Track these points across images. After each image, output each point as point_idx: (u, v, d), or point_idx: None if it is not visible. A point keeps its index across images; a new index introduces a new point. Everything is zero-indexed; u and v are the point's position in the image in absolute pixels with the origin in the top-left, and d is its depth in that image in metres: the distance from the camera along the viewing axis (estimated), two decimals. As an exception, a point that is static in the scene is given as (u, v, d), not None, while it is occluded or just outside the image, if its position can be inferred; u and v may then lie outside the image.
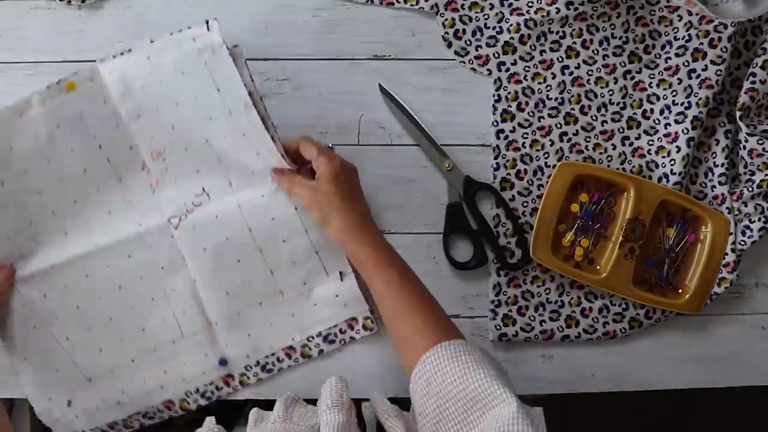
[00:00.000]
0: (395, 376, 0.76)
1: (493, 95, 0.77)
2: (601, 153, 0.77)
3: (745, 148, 0.75)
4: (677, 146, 0.75)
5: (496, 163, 0.77)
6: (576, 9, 0.75)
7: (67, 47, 0.75)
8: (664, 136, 0.76)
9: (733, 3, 0.73)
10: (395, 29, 0.77)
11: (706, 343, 0.79)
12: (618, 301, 0.77)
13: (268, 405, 0.67)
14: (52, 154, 0.70)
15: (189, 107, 0.69)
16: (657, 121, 0.77)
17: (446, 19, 0.76)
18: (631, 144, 0.77)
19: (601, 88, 0.77)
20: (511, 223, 0.76)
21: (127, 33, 0.76)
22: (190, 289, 0.73)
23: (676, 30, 0.76)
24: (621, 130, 0.77)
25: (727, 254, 0.75)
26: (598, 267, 0.76)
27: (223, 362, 0.74)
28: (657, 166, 0.77)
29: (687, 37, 0.75)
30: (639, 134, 0.77)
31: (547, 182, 0.75)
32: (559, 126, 0.77)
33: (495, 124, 0.77)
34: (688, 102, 0.75)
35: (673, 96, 0.76)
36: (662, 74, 0.76)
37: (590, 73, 0.77)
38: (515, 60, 0.77)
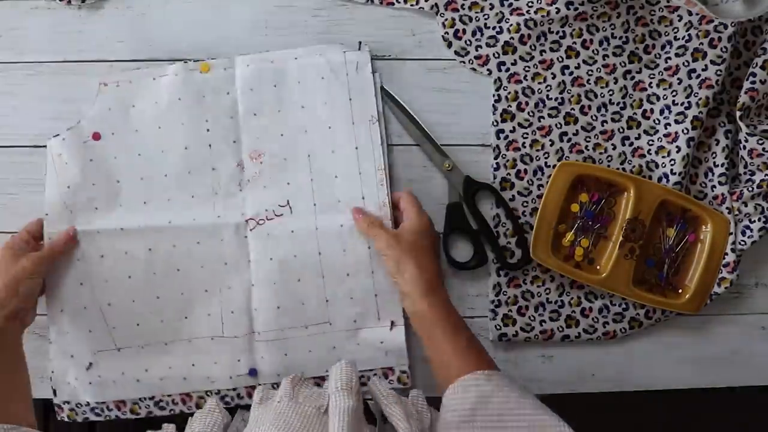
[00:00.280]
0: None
1: (493, 95, 0.77)
2: (601, 153, 0.77)
3: (745, 148, 0.75)
4: (677, 146, 0.75)
5: (496, 163, 0.77)
6: (576, 9, 0.75)
7: (67, 47, 0.75)
8: (664, 136, 0.76)
9: (733, 3, 0.73)
10: (395, 29, 0.77)
11: (706, 343, 0.79)
12: (618, 301, 0.77)
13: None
14: (164, 123, 0.73)
15: (314, 112, 0.74)
16: (657, 121, 0.77)
17: (446, 19, 0.76)
18: (631, 144, 0.77)
19: (601, 88, 0.77)
20: (511, 223, 0.76)
21: (127, 33, 0.76)
22: (245, 293, 0.73)
23: (676, 30, 0.76)
24: (621, 130, 0.77)
25: (727, 254, 0.75)
26: (598, 267, 0.76)
27: (253, 372, 0.74)
28: (657, 166, 0.77)
29: (687, 37, 0.75)
30: (639, 134, 0.77)
31: (547, 182, 0.75)
32: (559, 126, 0.77)
33: (495, 124, 0.77)
34: (688, 102, 0.75)
35: (673, 96, 0.76)
36: (662, 74, 0.76)
37: (590, 73, 0.77)
38: (515, 60, 0.77)
